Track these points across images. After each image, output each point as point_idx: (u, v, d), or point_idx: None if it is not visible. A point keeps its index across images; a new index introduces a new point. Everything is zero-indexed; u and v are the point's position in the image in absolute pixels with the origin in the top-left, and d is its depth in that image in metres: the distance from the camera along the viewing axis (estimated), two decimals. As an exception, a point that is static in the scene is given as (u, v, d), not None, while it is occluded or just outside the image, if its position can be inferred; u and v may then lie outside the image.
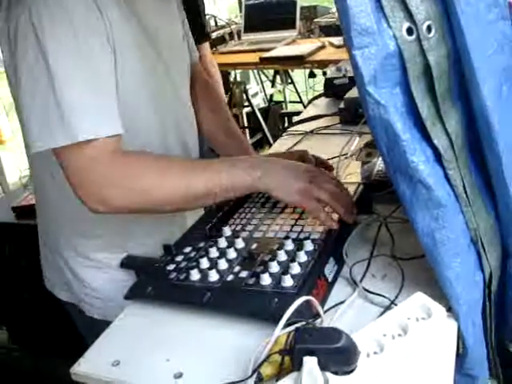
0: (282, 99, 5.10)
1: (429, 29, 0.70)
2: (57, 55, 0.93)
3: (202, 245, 1.02)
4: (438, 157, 0.74)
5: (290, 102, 5.14)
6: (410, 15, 0.69)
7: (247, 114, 4.47)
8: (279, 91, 5.14)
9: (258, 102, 4.85)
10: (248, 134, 4.50)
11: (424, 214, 0.75)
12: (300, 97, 4.95)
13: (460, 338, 0.79)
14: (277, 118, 4.89)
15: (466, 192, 0.77)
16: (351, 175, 1.31)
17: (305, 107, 4.80)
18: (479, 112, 0.74)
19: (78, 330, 1.38)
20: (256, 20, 3.78)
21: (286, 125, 5.03)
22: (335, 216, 1.00)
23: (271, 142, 4.30)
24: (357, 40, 0.69)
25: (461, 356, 0.80)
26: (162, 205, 1.01)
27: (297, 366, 0.64)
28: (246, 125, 4.45)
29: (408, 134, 0.72)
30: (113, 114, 0.98)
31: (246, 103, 4.30)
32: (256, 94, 4.81)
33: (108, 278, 1.22)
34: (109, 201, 0.97)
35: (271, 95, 5.02)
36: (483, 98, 0.72)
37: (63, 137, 0.94)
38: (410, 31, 0.70)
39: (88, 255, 1.22)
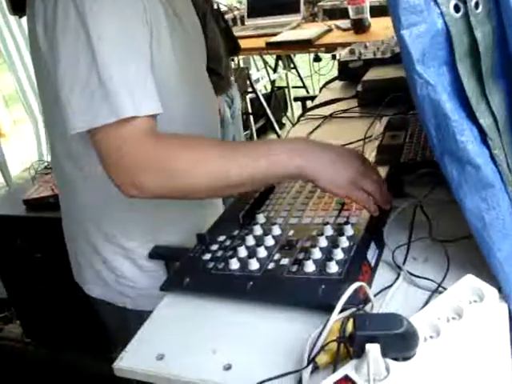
0: (285, 85, 5.06)
1: (476, 4, 0.69)
2: (99, 31, 0.91)
3: (236, 233, 1.00)
4: (483, 136, 0.73)
5: (293, 87, 5.10)
6: None
7: (250, 100, 4.44)
8: (279, 77, 5.11)
9: (260, 88, 4.82)
10: (252, 120, 4.48)
11: (473, 195, 0.74)
12: (303, 82, 4.92)
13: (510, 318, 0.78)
14: (281, 103, 4.87)
15: (510, 171, 0.75)
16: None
17: (308, 93, 4.81)
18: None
19: (107, 324, 1.37)
20: (259, 5, 3.75)
21: (290, 111, 5.03)
22: None
23: (276, 127, 4.29)
24: (405, 18, 0.68)
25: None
26: (197, 190, 0.97)
27: (358, 353, 0.63)
28: (250, 111, 4.42)
29: (456, 115, 0.72)
30: (153, 92, 0.96)
31: (249, 89, 4.28)
32: (258, 79, 4.78)
33: (138, 267, 1.21)
34: (143, 185, 0.93)
35: (273, 81, 4.99)
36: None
37: (107, 114, 0.91)
38: (457, 8, 0.69)
39: (117, 242, 1.21)
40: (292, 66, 4.74)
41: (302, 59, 4.96)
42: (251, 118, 4.46)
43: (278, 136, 4.26)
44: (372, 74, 1.71)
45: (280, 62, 4.77)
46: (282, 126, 4.89)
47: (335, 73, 2.05)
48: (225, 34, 2.82)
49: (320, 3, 3.67)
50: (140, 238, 1.21)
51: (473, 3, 0.68)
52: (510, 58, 0.72)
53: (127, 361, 0.82)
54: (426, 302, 0.80)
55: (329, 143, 0.99)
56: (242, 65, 4.14)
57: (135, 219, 1.20)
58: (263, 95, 4.49)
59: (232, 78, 3.02)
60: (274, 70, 4.92)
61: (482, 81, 0.71)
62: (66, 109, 0.94)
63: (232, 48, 2.93)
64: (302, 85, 4.98)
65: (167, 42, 1.06)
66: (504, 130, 0.75)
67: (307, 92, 4.92)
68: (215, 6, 3.54)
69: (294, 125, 1.78)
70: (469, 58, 0.70)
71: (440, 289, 0.81)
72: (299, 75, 4.89)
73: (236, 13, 3.91)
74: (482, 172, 0.72)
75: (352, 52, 1.97)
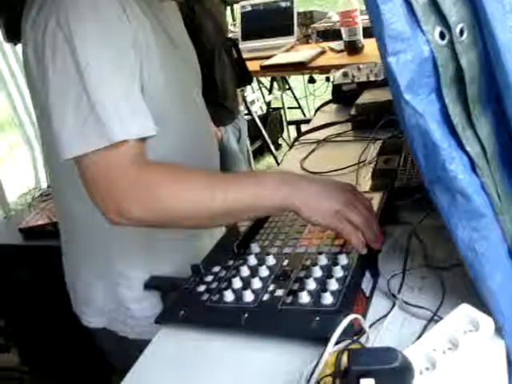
0: (280, 106, 5.08)
1: (461, 32, 0.68)
2: (87, 57, 0.92)
3: (230, 263, 1.00)
4: (473, 165, 0.72)
5: (289, 107, 5.12)
6: (441, 19, 0.67)
7: (246, 121, 4.45)
8: (275, 98, 5.12)
9: (256, 109, 4.83)
10: (248, 142, 4.48)
11: (464, 225, 0.72)
12: (298, 103, 4.94)
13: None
14: (277, 124, 4.88)
15: (500, 200, 0.74)
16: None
17: (304, 115, 4.83)
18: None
19: (106, 353, 1.36)
20: (253, 28, 3.77)
21: (286, 132, 5.04)
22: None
23: (272, 148, 4.29)
24: (391, 46, 0.67)
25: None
26: (182, 220, 0.97)
27: (352, 389, 0.62)
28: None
29: (446, 143, 0.70)
30: (144, 114, 0.97)
31: (245, 111, 4.29)
32: (253, 101, 4.80)
33: (138, 297, 1.20)
34: (127, 212, 0.93)
35: (269, 102, 5.01)
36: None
37: (98, 140, 0.91)
38: (442, 35, 0.68)
39: (118, 271, 1.21)
40: (287, 87, 4.76)
41: (296, 80, 4.98)
42: (247, 140, 4.46)
43: (275, 157, 4.26)
44: (365, 97, 1.72)
45: (275, 84, 4.79)
46: (278, 147, 4.90)
47: (330, 93, 2.05)
48: (236, 64, 2.80)
49: (313, 25, 3.69)
50: (139, 267, 1.21)
51: (457, 30, 0.67)
52: (496, 85, 0.72)
53: (122, 398, 0.81)
54: (422, 332, 0.79)
55: (318, 176, 0.99)
56: (237, 87, 4.15)
57: (134, 248, 1.20)
58: (259, 116, 4.50)
59: (240, 106, 2.98)
60: (269, 92, 4.94)
61: (469, 108, 0.70)
62: (58, 135, 0.94)
63: (243, 79, 2.91)
64: (297, 105, 4.99)
65: (158, 68, 1.07)
66: (492, 158, 0.73)
67: (303, 113, 4.93)
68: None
69: (290, 147, 1.79)
70: (455, 86, 0.69)
71: (436, 317, 0.81)
72: (294, 96, 4.91)
73: (230, 35, 3.92)
74: (472, 202, 0.71)
75: (345, 75, 1.98)
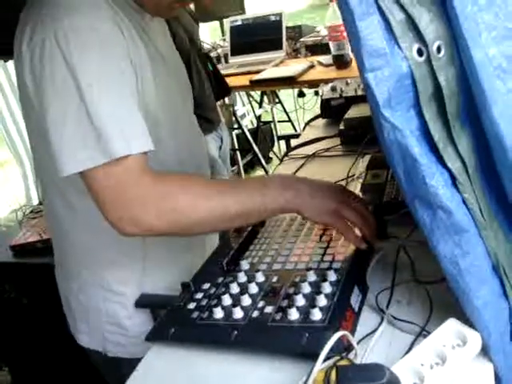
0: (271, 119, 5.10)
1: (438, 49, 0.68)
2: (88, 79, 0.93)
3: (220, 280, 1.00)
4: (454, 180, 0.72)
5: (279, 121, 5.14)
6: (419, 36, 0.68)
7: (237, 135, 4.47)
8: (266, 111, 5.15)
9: (246, 123, 4.85)
10: (239, 156, 4.50)
11: (446, 241, 0.72)
12: (289, 116, 4.96)
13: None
14: (267, 138, 4.89)
15: (482, 215, 0.74)
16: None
17: (294, 128, 4.85)
18: (492, 134, 0.71)
19: (99, 371, 1.35)
20: (242, 42, 3.79)
21: (277, 145, 5.06)
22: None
23: (263, 162, 4.30)
24: (369, 62, 0.67)
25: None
26: (195, 226, 0.99)
27: (341, 405, 0.63)
28: (236, 147, 4.45)
29: (426, 158, 0.70)
30: (144, 129, 0.98)
31: (235, 125, 4.31)
32: (243, 115, 4.81)
33: (129, 314, 1.21)
34: (141, 222, 0.94)
35: (259, 116, 5.03)
36: (495, 119, 0.69)
37: (100, 156, 0.92)
38: (420, 52, 0.68)
39: (109, 287, 1.21)
40: (277, 100, 4.78)
41: (286, 93, 5.01)
42: (238, 153, 4.48)
43: (266, 171, 4.27)
44: (353, 112, 1.74)
45: (265, 97, 4.81)
46: (269, 160, 4.91)
47: (319, 107, 2.07)
48: (213, 77, 2.82)
49: (302, 39, 3.71)
50: (130, 283, 1.21)
51: (434, 48, 0.68)
52: (475, 102, 0.72)
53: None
54: (410, 347, 0.80)
55: (314, 178, 1.04)
56: (227, 101, 4.16)
57: (124, 264, 1.20)
58: (249, 130, 4.51)
59: (222, 118, 3.00)
60: (260, 105, 4.96)
61: (449, 124, 0.70)
62: (57, 152, 0.95)
63: (221, 91, 2.93)
64: (287, 119, 5.01)
65: (151, 83, 1.08)
66: (474, 174, 0.73)
67: (293, 126, 4.96)
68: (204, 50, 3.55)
69: (280, 162, 1.80)
70: (434, 102, 0.70)
71: (424, 332, 0.81)
72: (285, 110, 4.93)
73: (219, 51, 3.94)
74: (454, 217, 0.71)
75: (334, 89, 2.00)
